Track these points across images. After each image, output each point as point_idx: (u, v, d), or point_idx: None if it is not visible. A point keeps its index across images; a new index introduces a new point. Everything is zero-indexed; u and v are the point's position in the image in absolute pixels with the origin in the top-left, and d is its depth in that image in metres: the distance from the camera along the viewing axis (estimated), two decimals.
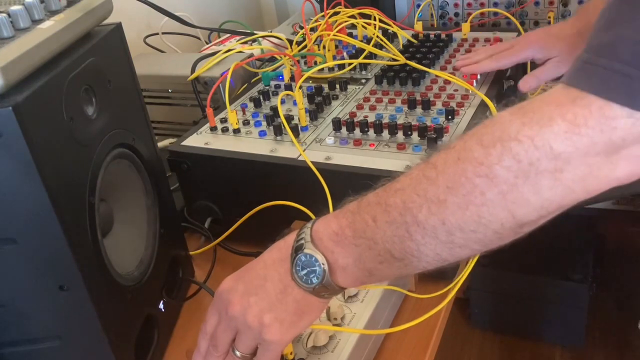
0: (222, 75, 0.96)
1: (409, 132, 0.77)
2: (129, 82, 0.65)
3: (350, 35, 1.10)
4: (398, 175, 0.48)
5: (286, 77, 1.01)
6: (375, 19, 1.07)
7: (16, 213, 0.48)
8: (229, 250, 0.82)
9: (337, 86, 0.95)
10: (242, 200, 0.80)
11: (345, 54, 1.08)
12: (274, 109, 0.86)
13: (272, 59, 1.10)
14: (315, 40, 1.07)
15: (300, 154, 0.76)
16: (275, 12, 1.74)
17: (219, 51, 1.07)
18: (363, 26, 1.08)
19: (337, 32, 1.06)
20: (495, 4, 1.25)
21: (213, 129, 0.87)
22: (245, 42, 1.19)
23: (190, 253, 0.80)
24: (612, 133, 0.39)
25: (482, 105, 0.84)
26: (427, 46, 1.05)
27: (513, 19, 1.13)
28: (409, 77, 0.93)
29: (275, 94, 0.95)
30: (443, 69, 0.99)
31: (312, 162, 0.74)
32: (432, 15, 1.30)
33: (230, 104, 0.91)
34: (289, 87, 0.97)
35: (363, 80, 0.98)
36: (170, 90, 1.06)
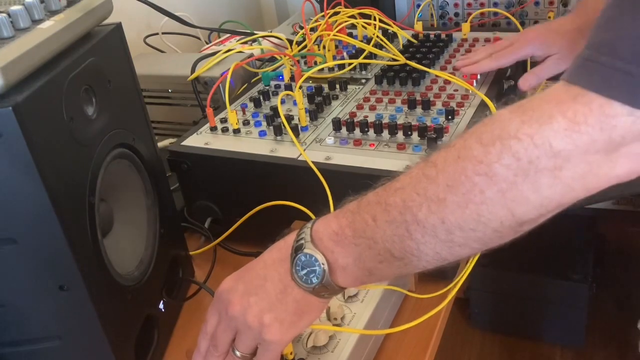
0: (222, 75, 0.96)
1: (409, 132, 0.77)
2: (129, 82, 0.65)
3: (350, 35, 1.10)
4: (398, 175, 0.48)
5: (286, 77, 1.01)
6: (375, 19, 1.07)
7: (16, 213, 0.48)
8: (229, 250, 0.82)
9: (337, 86, 0.95)
10: (242, 200, 0.80)
11: (345, 54, 1.08)
12: (274, 109, 0.86)
13: (272, 59, 1.10)
14: (315, 40, 1.07)
15: (301, 154, 0.76)
16: (275, 12, 1.74)
17: (219, 51, 1.07)
18: (363, 26, 1.08)
19: (337, 32, 1.06)
20: (495, 4, 1.25)
21: (213, 129, 0.87)
22: (245, 42, 1.19)
23: (190, 253, 0.80)
24: (612, 131, 0.39)
25: (482, 105, 0.84)
26: (427, 46, 1.05)
27: (513, 19, 1.13)
28: (409, 77, 0.93)
29: (275, 94, 0.95)
30: (443, 69, 0.99)
31: (312, 162, 0.73)
32: (432, 15, 1.30)
33: (230, 104, 0.91)
34: (289, 87, 0.97)
35: (363, 80, 0.98)
36: (170, 90, 1.06)
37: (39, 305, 0.53)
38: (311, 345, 0.60)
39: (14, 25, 0.49)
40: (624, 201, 1.35)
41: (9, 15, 0.49)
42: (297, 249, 0.51)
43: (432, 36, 1.11)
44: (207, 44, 1.30)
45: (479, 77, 0.93)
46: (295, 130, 0.81)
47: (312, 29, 1.12)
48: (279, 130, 0.82)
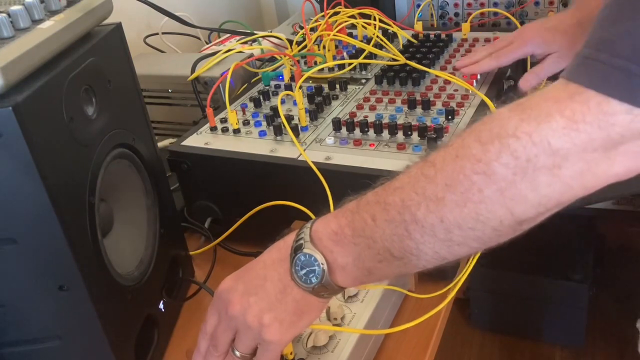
0: (222, 75, 0.96)
1: (409, 132, 0.77)
2: (129, 82, 0.65)
3: (350, 35, 1.10)
4: (397, 174, 0.48)
5: (286, 77, 1.01)
6: (375, 19, 1.07)
7: (16, 213, 0.48)
8: (229, 250, 0.82)
9: (337, 86, 0.95)
10: (242, 200, 0.80)
11: (345, 54, 1.08)
12: (274, 109, 0.86)
13: (272, 59, 1.10)
14: (315, 40, 1.07)
15: (301, 154, 0.76)
16: (275, 12, 1.74)
17: (219, 51, 1.07)
18: (363, 26, 1.08)
19: (337, 32, 1.06)
20: (495, 4, 1.25)
21: (213, 129, 0.87)
22: (245, 42, 1.19)
23: (190, 253, 0.80)
24: (610, 129, 0.39)
25: (482, 105, 0.84)
26: (427, 46, 1.05)
27: (513, 19, 1.13)
28: (409, 77, 0.93)
29: (275, 94, 0.95)
30: (443, 69, 0.99)
31: (312, 162, 0.73)
32: (432, 15, 1.30)
33: (230, 104, 0.91)
34: (289, 87, 0.97)
35: (363, 80, 0.98)
36: (170, 90, 1.06)
37: (39, 305, 0.53)
38: (311, 345, 0.60)
39: (14, 25, 0.49)
40: (624, 201, 1.34)
41: (9, 15, 0.49)
42: (297, 248, 0.51)
43: (432, 36, 1.11)
44: (207, 44, 1.30)
45: (479, 77, 0.93)
46: (295, 130, 0.81)
47: (312, 29, 1.12)
48: (279, 130, 0.82)
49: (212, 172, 0.82)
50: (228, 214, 0.82)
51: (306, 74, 0.91)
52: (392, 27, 1.08)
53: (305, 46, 1.07)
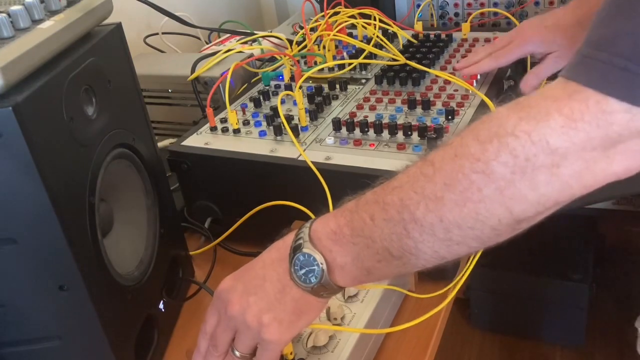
0: (222, 75, 0.96)
1: (409, 132, 0.77)
2: (129, 82, 0.65)
3: (350, 35, 1.10)
4: (396, 174, 0.48)
5: (286, 77, 1.01)
6: (375, 19, 1.07)
7: (16, 213, 0.48)
8: (229, 250, 0.82)
9: (337, 86, 0.95)
10: (242, 200, 0.80)
11: (345, 54, 1.08)
12: (274, 109, 0.86)
13: (272, 59, 1.10)
14: (315, 40, 1.07)
15: (300, 154, 0.76)
16: (275, 12, 1.74)
17: (219, 51, 1.07)
18: (363, 26, 1.08)
19: (337, 32, 1.06)
20: (495, 4, 1.25)
21: (213, 129, 0.87)
22: (245, 42, 1.19)
23: (190, 253, 0.80)
24: (609, 128, 0.39)
25: (482, 105, 0.84)
26: (427, 46, 1.05)
27: (513, 19, 1.13)
28: (409, 77, 0.93)
29: (275, 94, 0.95)
30: (443, 69, 0.99)
31: (312, 162, 0.74)
32: (432, 15, 1.30)
33: (230, 104, 0.91)
34: (289, 87, 0.97)
35: (363, 80, 0.98)
36: (170, 90, 1.06)
37: (39, 305, 0.53)
38: (311, 345, 0.60)
39: (14, 25, 0.49)
40: (624, 201, 1.34)
41: (9, 15, 0.49)
42: (296, 248, 0.51)
43: (432, 36, 1.11)
44: (207, 44, 1.30)
45: (479, 77, 0.93)
46: (295, 130, 0.81)
47: (312, 29, 1.12)
48: (279, 130, 0.82)
49: (212, 172, 0.82)
50: (228, 214, 0.82)
51: (306, 74, 0.91)
52: (392, 27, 1.08)
53: (305, 46, 1.07)
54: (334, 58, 1.05)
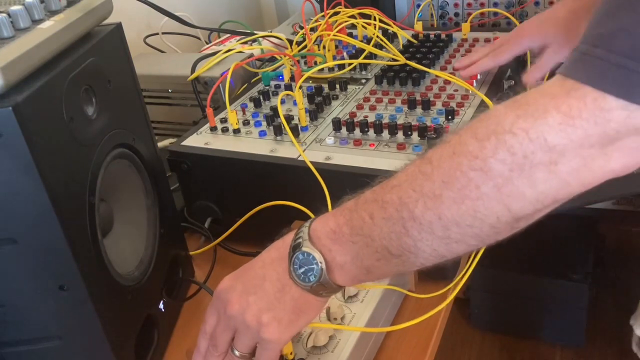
0: (222, 75, 0.96)
1: (409, 132, 0.77)
2: (129, 82, 0.65)
3: (350, 35, 1.10)
4: (395, 173, 0.48)
5: (286, 77, 1.01)
6: (375, 19, 1.07)
7: (16, 213, 0.48)
8: (229, 250, 0.82)
9: (337, 86, 0.95)
10: (242, 200, 0.80)
11: (345, 54, 1.08)
12: (274, 109, 0.86)
13: (272, 59, 1.10)
14: (315, 40, 1.07)
15: (300, 154, 0.76)
16: (275, 12, 1.74)
17: (219, 51, 1.07)
18: (363, 26, 1.08)
19: (337, 32, 1.06)
20: (495, 4, 1.25)
21: (213, 129, 0.87)
22: (245, 42, 1.19)
23: (190, 253, 0.80)
24: (607, 125, 0.39)
25: (482, 105, 0.84)
26: (427, 46, 1.05)
27: (513, 19, 1.13)
28: (409, 77, 0.93)
29: (275, 94, 0.95)
30: (443, 69, 0.99)
31: (312, 162, 0.74)
32: (432, 15, 1.30)
33: (230, 104, 0.91)
34: (289, 87, 0.97)
35: (363, 80, 0.98)
36: (170, 90, 1.06)
37: (39, 305, 0.53)
38: (311, 345, 0.60)
39: (14, 25, 0.49)
40: (624, 201, 1.34)
41: (9, 15, 0.49)
42: (295, 247, 0.51)
43: (432, 36, 1.11)
44: (207, 44, 1.30)
45: (479, 77, 0.93)
46: (295, 130, 0.81)
47: (312, 29, 1.12)
48: (279, 130, 0.82)
49: (212, 172, 0.82)
50: (228, 214, 0.82)
51: (306, 74, 0.91)
52: (392, 27, 1.08)
53: (305, 46, 1.07)
54: (334, 58, 1.05)
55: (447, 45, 1.07)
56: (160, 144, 0.89)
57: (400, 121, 0.82)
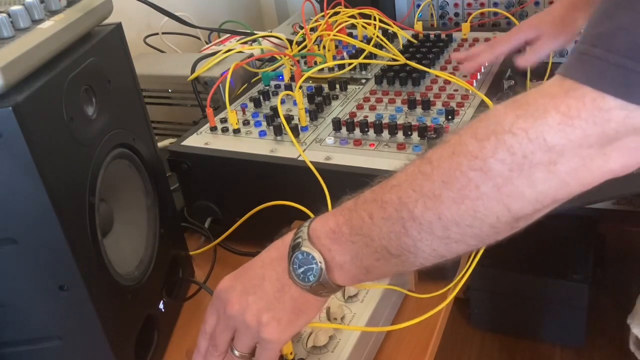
0: (222, 75, 0.96)
1: (409, 132, 0.77)
2: (129, 82, 0.65)
3: (350, 35, 1.10)
4: (395, 173, 0.48)
5: (286, 77, 1.01)
6: (375, 19, 1.08)
7: (16, 213, 0.48)
8: (229, 250, 0.82)
9: (337, 86, 0.95)
10: (242, 200, 0.80)
11: (345, 54, 1.08)
12: (274, 109, 0.86)
13: (272, 59, 1.10)
14: (315, 40, 1.07)
15: (300, 154, 0.76)
16: (275, 12, 1.74)
17: (219, 51, 1.07)
18: (363, 26, 1.08)
19: (337, 32, 1.06)
20: (495, 4, 1.25)
21: (213, 129, 0.87)
22: (245, 42, 1.19)
23: (190, 253, 0.80)
24: (605, 125, 0.39)
25: (482, 105, 0.84)
26: (427, 46, 1.05)
27: (513, 19, 1.13)
28: (409, 77, 0.93)
29: (275, 94, 0.95)
30: (443, 69, 0.99)
31: (312, 162, 0.74)
32: (432, 15, 1.30)
33: (230, 104, 0.91)
34: (289, 87, 0.97)
35: (363, 80, 0.98)
36: (170, 90, 1.06)
37: (39, 305, 0.53)
38: (311, 345, 0.60)
39: (14, 25, 0.49)
40: (624, 201, 1.34)
41: (9, 15, 0.49)
42: (295, 247, 0.51)
43: (432, 36, 1.11)
44: (207, 44, 1.31)
45: (479, 77, 0.93)
46: (295, 130, 0.81)
47: (312, 29, 1.12)
48: (279, 130, 0.82)
49: (212, 172, 0.82)
50: (228, 214, 0.82)
51: (306, 74, 0.91)
52: (392, 27, 1.08)
53: (305, 46, 1.07)
54: (334, 58, 1.05)
55: (447, 45, 1.07)
56: (160, 144, 0.89)
57: (400, 121, 0.82)
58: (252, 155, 0.79)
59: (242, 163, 0.79)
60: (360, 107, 0.88)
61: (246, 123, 0.88)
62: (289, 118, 0.84)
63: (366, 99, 0.91)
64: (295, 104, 0.88)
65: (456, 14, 1.29)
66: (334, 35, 1.05)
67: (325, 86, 0.95)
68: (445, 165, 0.44)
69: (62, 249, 0.50)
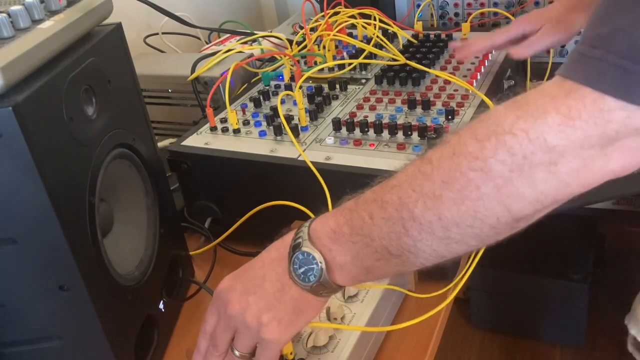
0: (222, 75, 0.96)
1: (409, 132, 0.77)
2: (129, 82, 0.65)
3: (350, 35, 1.10)
4: (395, 173, 0.48)
5: (286, 77, 1.01)
6: (375, 19, 1.08)
7: (16, 213, 0.48)
8: (229, 250, 0.82)
9: (337, 86, 0.95)
10: (242, 200, 0.80)
11: (345, 54, 1.08)
12: (274, 109, 0.86)
13: (272, 59, 1.10)
14: (315, 40, 1.07)
15: (300, 154, 0.76)
16: (275, 12, 1.74)
17: (219, 51, 1.07)
18: (363, 26, 1.08)
19: (337, 32, 1.06)
20: (495, 4, 1.25)
21: (213, 129, 0.87)
22: (245, 42, 1.19)
23: (190, 253, 0.80)
24: (606, 126, 0.39)
25: (482, 105, 0.84)
26: (427, 46, 1.05)
27: (513, 19, 1.12)
28: (409, 77, 0.93)
29: (275, 94, 0.95)
30: (443, 69, 0.99)
31: (312, 162, 0.74)
32: (432, 15, 1.30)
33: (230, 104, 0.91)
34: (289, 87, 0.97)
35: (363, 80, 0.98)
36: (170, 90, 1.06)
37: (39, 305, 0.53)
38: (311, 345, 0.60)
39: (14, 25, 0.49)
40: (624, 201, 1.34)
41: (9, 15, 0.49)
42: (295, 247, 0.51)
43: (432, 36, 1.11)
44: (207, 44, 1.31)
45: (479, 77, 0.93)
46: (295, 130, 0.81)
47: (312, 29, 1.12)
48: (279, 130, 0.82)
49: (212, 172, 0.82)
50: (228, 214, 0.82)
51: (306, 74, 0.91)
52: (392, 27, 1.08)
53: (305, 46, 1.07)
54: (334, 58, 1.05)
55: (447, 46, 1.07)
56: (160, 144, 0.89)
57: (400, 121, 0.82)
58: (252, 155, 0.79)
59: (242, 163, 0.79)
60: (360, 107, 0.88)
61: (246, 123, 0.88)
62: (289, 118, 0.84)
63: (366, 99, 0.91)
64: (295, 104, 0.88)
65: (456, 14, 1.29)
66: (334, 35, 1.05)
67: (325, 86, 0.95)
68: (446, 165, 0.44)
69: (62, 249, 0.50)
